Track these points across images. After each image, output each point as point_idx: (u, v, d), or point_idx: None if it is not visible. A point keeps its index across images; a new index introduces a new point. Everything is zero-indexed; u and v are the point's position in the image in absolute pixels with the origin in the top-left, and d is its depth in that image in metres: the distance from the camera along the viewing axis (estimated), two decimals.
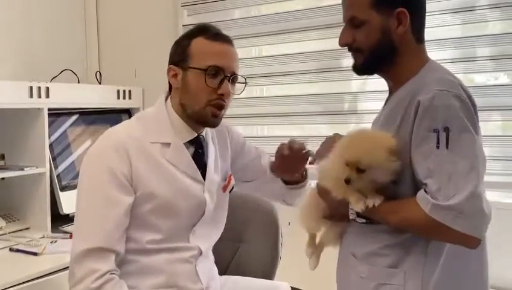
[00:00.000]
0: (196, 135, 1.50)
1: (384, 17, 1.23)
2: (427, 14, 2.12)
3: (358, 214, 1.26)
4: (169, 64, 1.49)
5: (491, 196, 2.08)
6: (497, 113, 2.08)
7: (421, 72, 1.25)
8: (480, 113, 2.00)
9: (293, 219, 1.50)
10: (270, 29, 2.54)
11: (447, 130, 1.13)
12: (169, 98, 1.52)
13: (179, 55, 1.46)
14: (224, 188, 1.60)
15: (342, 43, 1.30)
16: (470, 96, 1.20)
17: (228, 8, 2.67)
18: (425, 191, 1.14)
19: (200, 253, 1.51)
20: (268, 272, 1.78)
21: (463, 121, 1.14)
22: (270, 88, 2.63)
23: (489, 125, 2.11)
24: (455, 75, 1.28)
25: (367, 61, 1.28)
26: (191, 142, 1.50)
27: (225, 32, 2.66)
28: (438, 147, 1.14)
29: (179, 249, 1.47)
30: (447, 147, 1.13)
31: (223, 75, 1.42)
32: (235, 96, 1.51)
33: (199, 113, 1.45)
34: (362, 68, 1.32)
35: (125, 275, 1.40)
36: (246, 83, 1.52)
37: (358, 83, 2.34)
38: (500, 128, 2.12)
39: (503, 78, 2.12)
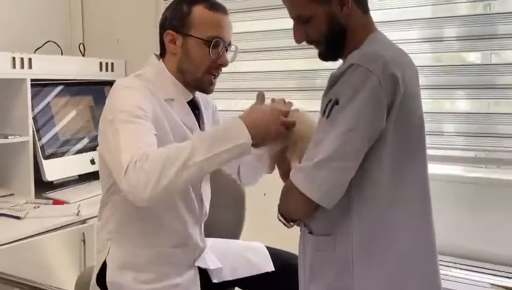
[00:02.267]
0: (192, 96, 1.58)
1: (326, 5, 1.23)
2: None
3: None
4: (166, 28, 1.52)
5: (454, 170, 2.24)
6: (461, 92, 2.18)
7: (361, 47, 1.25)
8: (446, 91, 2.16)
9: (268, 190, 1.58)
10: (247, 5, 2.61)
11: (336, 102, 1.15)
12: (161, 60, 1.56)
13: (179, 21, 1.50)
14: None
15: (297, 41, 1.31)
16: (390, 72, 1.15)
17: None
18: None
19: (206, 214, 1.64)
20: (234, 234, 1.92)
21: (355, 95, 1.14)
22: (246, 64, 2.70)
23: (455, 103, 2.22)
24: (402, 51, 1.29)
25: (327, 50, 1.30)
26: (188, 103, 1.57)
27: None
28: (322, 116, 1.18)
29: (190, 208, 1.56)
30: (328, 117, 1.16)
31: (222, 45, 1.50)
32: None
33: (197, 81, 1.53)
34: (325, 57, 1.34)
35: (141, 234, 1.50)
36: (237, 51, 1.58)
37: None
38: (464, 106, 2.22)
39: (469, 58, 2.21)
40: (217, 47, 1.49)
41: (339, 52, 1.32)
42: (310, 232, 1.32)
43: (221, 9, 1.51)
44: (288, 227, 1.34)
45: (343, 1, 1.24)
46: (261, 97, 1.46)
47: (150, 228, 1.51)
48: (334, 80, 1.20)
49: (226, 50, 1.53)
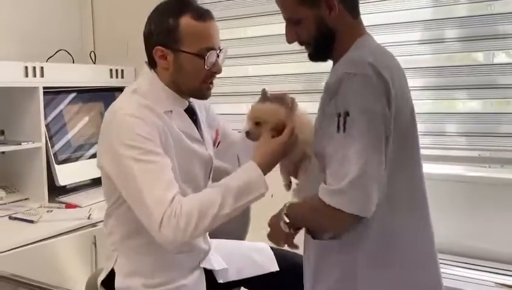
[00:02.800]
0: (188, 103, 1.59)
1: (314, 9, 1.26)
2: None
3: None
4: (153, 43, 1.48)
5: (458, 169, 2.25)
6: (462, 92, 2.19)
7: (349, 51, 1.28)
8: (449, 92, 2.18)
9: (276, 192, 1.61)
10: (254, 11, 2.66)
11: (346, 114, 1.17)
12: (153, 71, 1.54)
13: (166, 35, 1.46)
14: (214, 143, 1.73)
15: (288, 42, 1.34)
16: (380, 75, 1.19)
17: None
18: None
19: None
20: (240, 235, 1.95)
21: (363, 102, 1.17)
22: (254, 68, 2.76)
23: (455, 103, 2.24)
24: (388, 52, 1.32)
25: (316, 51, 1.34)
26: (185, 111, 1.58)
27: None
28: (337, 131, 1.19)
29: None
30: (344, 131, 1.17)
31: (214, 54, 1.49)
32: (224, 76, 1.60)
33: (195, 90, 1.53)
34: (315, 57, 1.37)
35: (146, 244, 1.50)
36: (225, 53, 1.56)
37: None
38: (464, 106, 2.24)
39: (469, 59, 2.22)
40: (210, 57, 1.48)
41: (327, 54, 1.35)
42: (314, 237, 1.34)
43: (207, 17, 1.48)
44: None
45: (331, 5, 1.26)
46: (263, 95, 1.52)
47: (153, 238, 1.50)
48: (332, 90, 1.21)
49: (218, 56, 1.52)
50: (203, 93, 1.56)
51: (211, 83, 1.55)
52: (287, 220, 1.35)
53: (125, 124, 1.42)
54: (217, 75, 1.55)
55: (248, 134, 1.47)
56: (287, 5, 1.30)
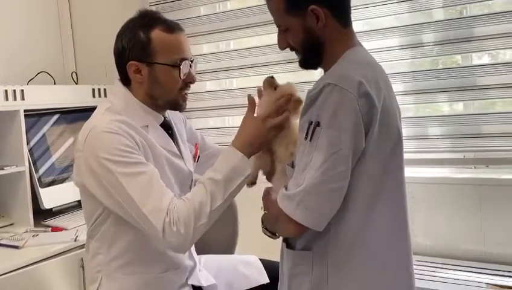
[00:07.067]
0: (163, 118, 1.60)
1: (300, 18, 1.26)
2: (376, 4, 2.27)
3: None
4: (126, 59, 1.49)
5: (441, 172, 2.26)
6: (444, 95, 2.20)
7: (337, 63, 1.26)
8: (428, 95, 2.19)
9: None
10: (236, 24, 2.66)
11: (317, 124, 1.17)
12: (126, 88, 1.54)
13: (139, 50, 1.48)
14: (194, 158, 1.72)
15: (280, 48, 1.35)
16: (367, 94, 1.18)
17: (195, 6, 2.79)
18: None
19: None
20: (229, 248, 1.95)
21: (336, 116, 1.16)
22: (239, 80, 2.75)
23: (437, 106, 2.26)
24: (374, 64, 1.31)
25: (304, 58, 1.34)
26: (161, 125, 1.58)
27: (193, 28, 2.79)
28: (305, 139, 1.19)
29: None
30: (310, 140, 1.18)
31: (188, 64, 1.52)
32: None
33: (172, 102, 1.55)
34: (304, 65, 1.37)
35: (131, 263, 1.51)
36: (196, 63, 1.59)
37: (319, 71, 2.45)
38: (446, 109, 2.25)
39: (448, 62, 2.24)
40: (184, 67, 1.50)
41: (316, 62, 1.34)
42: (288, 247, 1.34)
43: (177, 28, 1.52)
44: (274, 239, 1.37)
45: (317, 15, 1.25)
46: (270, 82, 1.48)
47: (139, 257, 1.52)
48: (312, 99, 1.21)
49: (190, 66, 1.54)
50: (179, 104, 1.57)
51: (186, 93, 1.57)
52: (268, 233, 1.37)
53: (102, 141, 1.42)
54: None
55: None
56: (276, 13, 1.32)
